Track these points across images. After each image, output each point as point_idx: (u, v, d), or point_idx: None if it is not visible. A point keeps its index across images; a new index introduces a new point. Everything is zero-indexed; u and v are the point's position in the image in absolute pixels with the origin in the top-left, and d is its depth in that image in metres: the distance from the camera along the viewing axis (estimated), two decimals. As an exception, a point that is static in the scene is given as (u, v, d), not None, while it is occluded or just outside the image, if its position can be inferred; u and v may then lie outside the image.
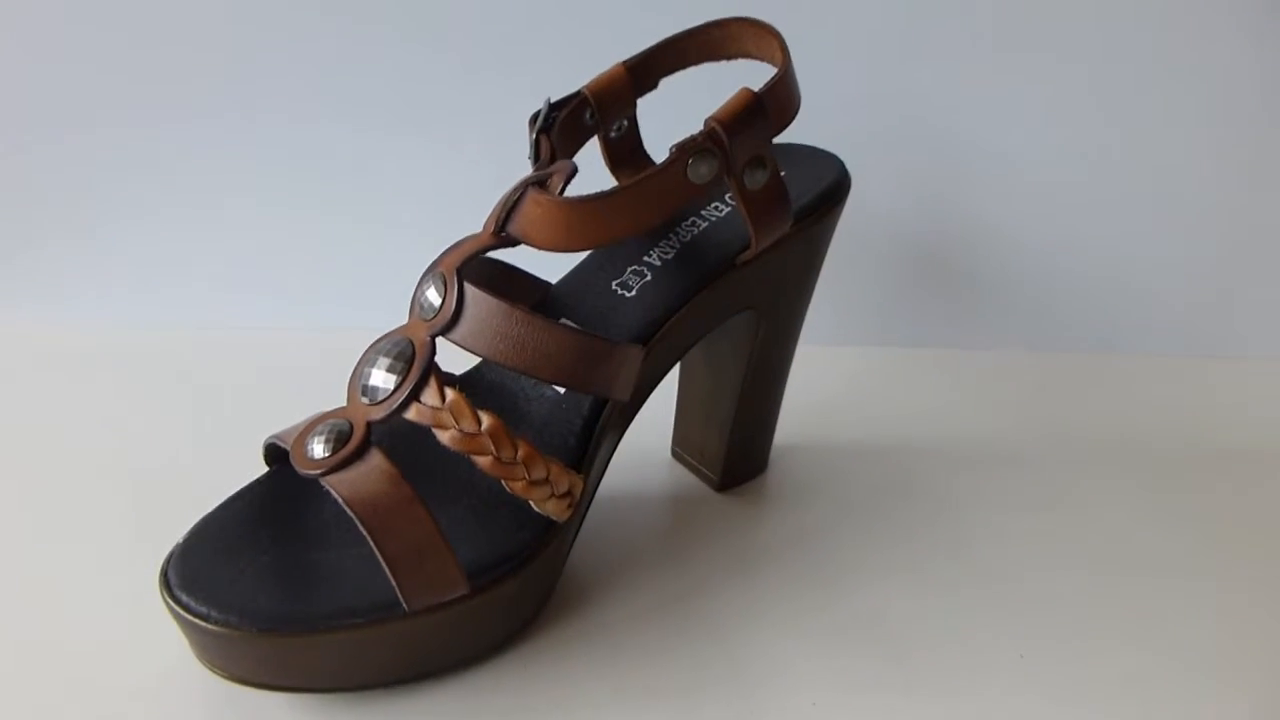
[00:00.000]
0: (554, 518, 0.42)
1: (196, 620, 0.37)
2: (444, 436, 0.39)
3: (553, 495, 0.41)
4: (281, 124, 0.63)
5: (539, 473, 0.40)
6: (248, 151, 0.64)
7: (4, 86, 0.62)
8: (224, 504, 0.42)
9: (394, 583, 0.38)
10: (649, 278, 0.47)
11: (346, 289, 0.67)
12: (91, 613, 0.45)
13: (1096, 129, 0.62)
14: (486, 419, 0.39)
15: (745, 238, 0.46)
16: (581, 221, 0.39)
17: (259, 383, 0.62)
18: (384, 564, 0.37)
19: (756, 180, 0.42)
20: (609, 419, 0.45)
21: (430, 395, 0.39)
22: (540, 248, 0.39)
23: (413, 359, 0.39)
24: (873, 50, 0.60)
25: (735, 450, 0.52)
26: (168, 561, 0.40)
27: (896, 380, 0.63)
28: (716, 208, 0.49)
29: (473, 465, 0.44)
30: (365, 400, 0.40)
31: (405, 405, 0.39)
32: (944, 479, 0.54)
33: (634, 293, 0.46)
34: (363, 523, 0.37)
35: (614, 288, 0.47)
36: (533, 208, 0.39)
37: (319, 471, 0.38)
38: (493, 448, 0.39)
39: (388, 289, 0.52)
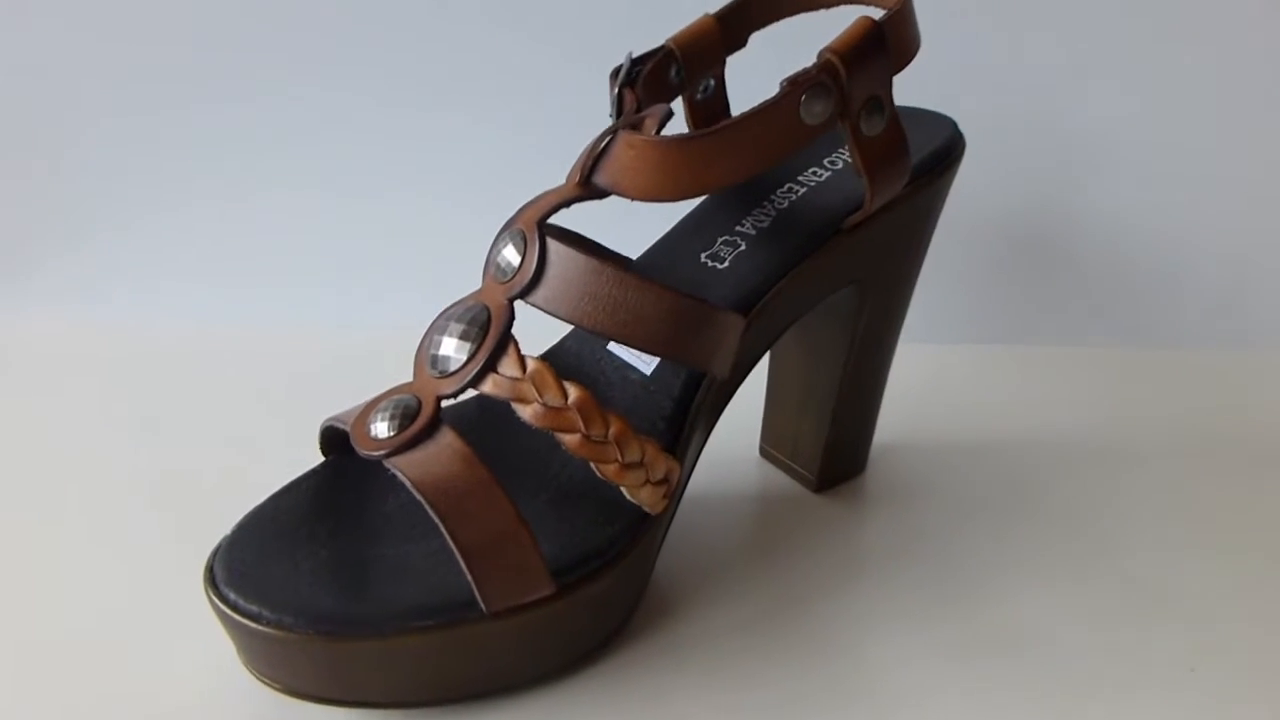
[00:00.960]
0: (647, 509, 0.36)
1: (246, 621, 0.32)
2: (525, 412, 0.34)
3: (648, 481, 0.35)
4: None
5: (633, 454, 0.35)
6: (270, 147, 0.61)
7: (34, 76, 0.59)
8: (275, 495, 0.38)
9: (470, 578, 0.33)
10: (743, 248, 0.42)
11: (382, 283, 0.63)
12: (125, 619, 0.40)
13: (1215, 114, 0.56)
14: (574, 391, 0.34)
15: (851, 201, 0.41)
16: (682, 164, 0.34)
17: (297, 379, 0.57)
18: (459, 556, 0.32)
19: (874, 125, 0.37)
20: (703, 402, 0.40)
21: (509, 365, 0.34)
22: (634, 197, 0.35)
23: (488, 325, 0.35)
24: (972, 17, 0.56)
25: (835, 447, 0.47)
26: (214, 556, 0.35)
27: (989, 377, 0.58)
28: (814, 172, 0.44)
29: (551, 453, 0.39)
30: (434, 373, 0.35)
31: (481, 377, 0.34)
32: (1062, 479, 0.49)
33: (726, 264, 0.42)
34: (434, 508, 0.32)
35: (704, 260, 0.42)
36: (625, 151, 0.34)
37: (383, 452, 0.34)
38: (581, 424, 0.34)
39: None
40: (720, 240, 0.43)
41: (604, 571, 0.35)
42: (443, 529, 0.32)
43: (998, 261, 0.60)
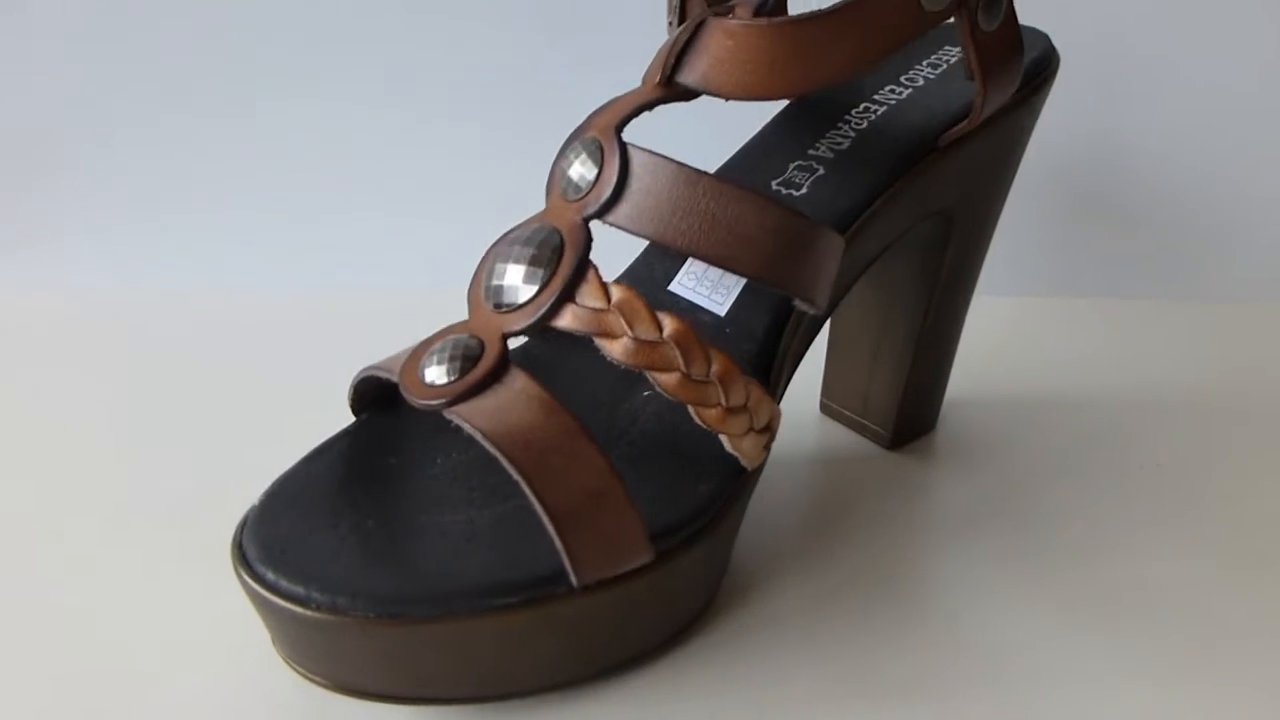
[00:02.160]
0: (746, 461, 0.31)
1: (290, 604, 0.27)
2: (614, 349, 0.29)
3: (751, 429, 0.30)
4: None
5: (738, 396, 0.30)
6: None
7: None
8: (305, 460, 0.32)
9: (560, 545, 0.27)
10: (821, 173, 0.37)
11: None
12: (129, 607, 0.34)
13: None
14: (670, 322, 0.29)
15: (942, 118, 0.37)
16: (792, 53, 0.29)
17: (299, 347, 0.51)
18: (546, 520, 0.27)
19: (991, 19, 0.32)
20: (789, 344, 0.35)
21: (590, 294, 0.29)
22: (729, 95, 0.30)
23: (561, 250, 0.29)
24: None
25: (911, 399, 0.42)
26: (241, 530, 0.29)
27: (1054, 331, 0.54)
28: (892, 90, 0.40)
29: (617, 404, 0.34)
30: (496, 307, 0.30)
31: (556, 309, 0.29)
32: (1151, 434, 0.44)
33: (804, 191, 0.37)
34: (514, 464, 0.27)
35: (775, 188, 0.37)
36: (721, 41, 0.29)
37: (442, 400, 0.28)
38: (680, 360, 0.29)
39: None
40: (793, 166, 0.38)
41: (702, 536, 0.30)
42: (527, 489, 0.27)
43: (1064, 211, 0.56)
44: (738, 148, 0.39)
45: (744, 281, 0.36)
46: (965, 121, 0.35)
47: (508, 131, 0.56)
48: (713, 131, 0.39)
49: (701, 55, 0.30)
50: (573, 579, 0.28)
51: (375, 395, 0.34)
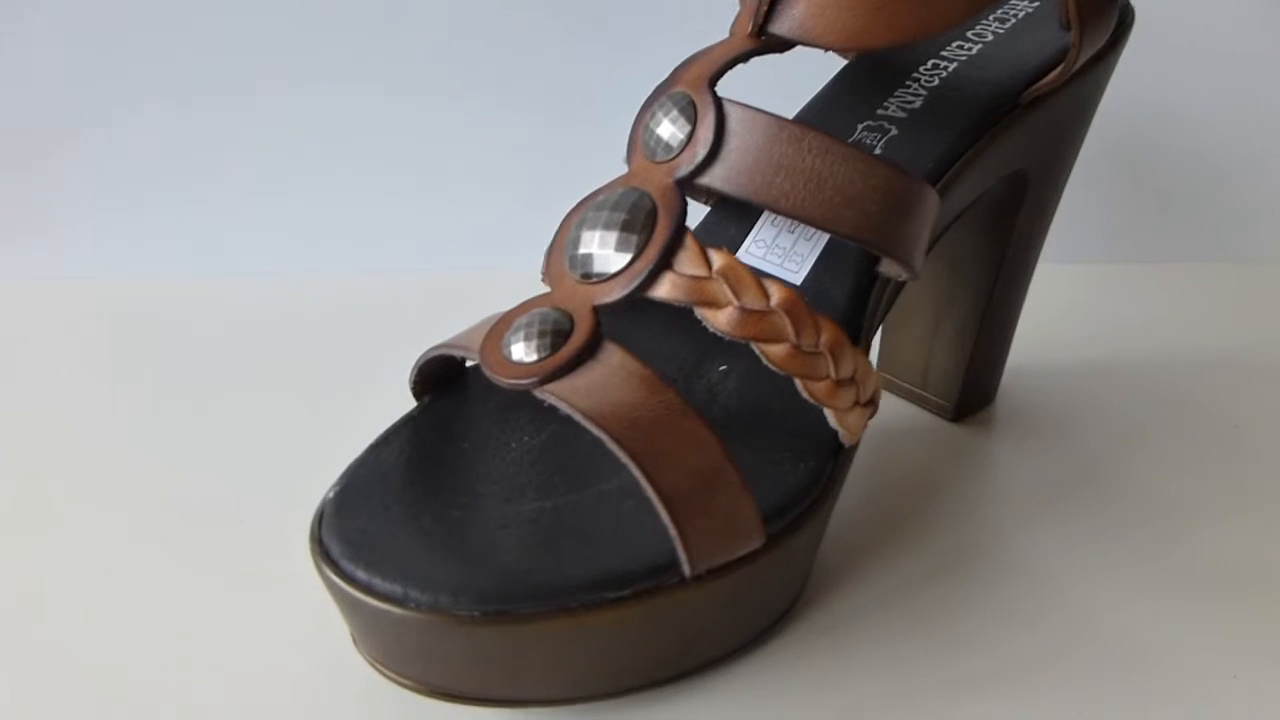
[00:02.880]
0: (846, 437, 0.30)
1: (388, 606, 0.24)
2: (718, 319, 0.27)
3: (858, 403, 0.29)
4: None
5: (847, 368, 0.28)
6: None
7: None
8: (372, 447, 0.30)
9: (673, 531, 0.25)
10: (894, 133, 0.35)
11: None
12: (193, 619, 0.31)
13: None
14: (777, 290, 0.27)
15: (1020, 73, 0.35)
16: (901, -3, 0.27)
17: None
18: (660, 505, 0.25)
19: (1092, -38, 0.31)
20: (876, 310, 0.33)
21: (690, 261, 0.27)
22: (828, 45, 0.28)
23: (654, 215, 0.27)
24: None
25: (976, 371, 0.41)
26: (318, 525, 0.27)
27: (1105, 297, 0.52)
28: (961, 46, 0.38)
29: (692, 378, 0.32)
30: (581, 277, 0.27)
31: (653, 278, 0.27)
32: (1222, 398, 0.43)
33: (878, 153, 0.35)
34: (622, 446, 0.25)
35: (845, 150, 0.35)
36: (823, -15, 0.27)
37: (533, 379, 0.26)
38: (791, 330, 0.27)
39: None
40: (862, 126, 0.36)
41: (807, 518, 0.29)
42: (638, 472, 0.25)
43: (1107, 175, 0.55)
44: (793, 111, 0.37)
45: (820, 249, 0.34)
46: (1056, 73, 0.33)
47: (526, 114, 0.53)
48: (764, 94, 0.37)
49: (798, 1, 0.28)
50: (685, 568, 0.26)
51: (441, 374, 0.32)
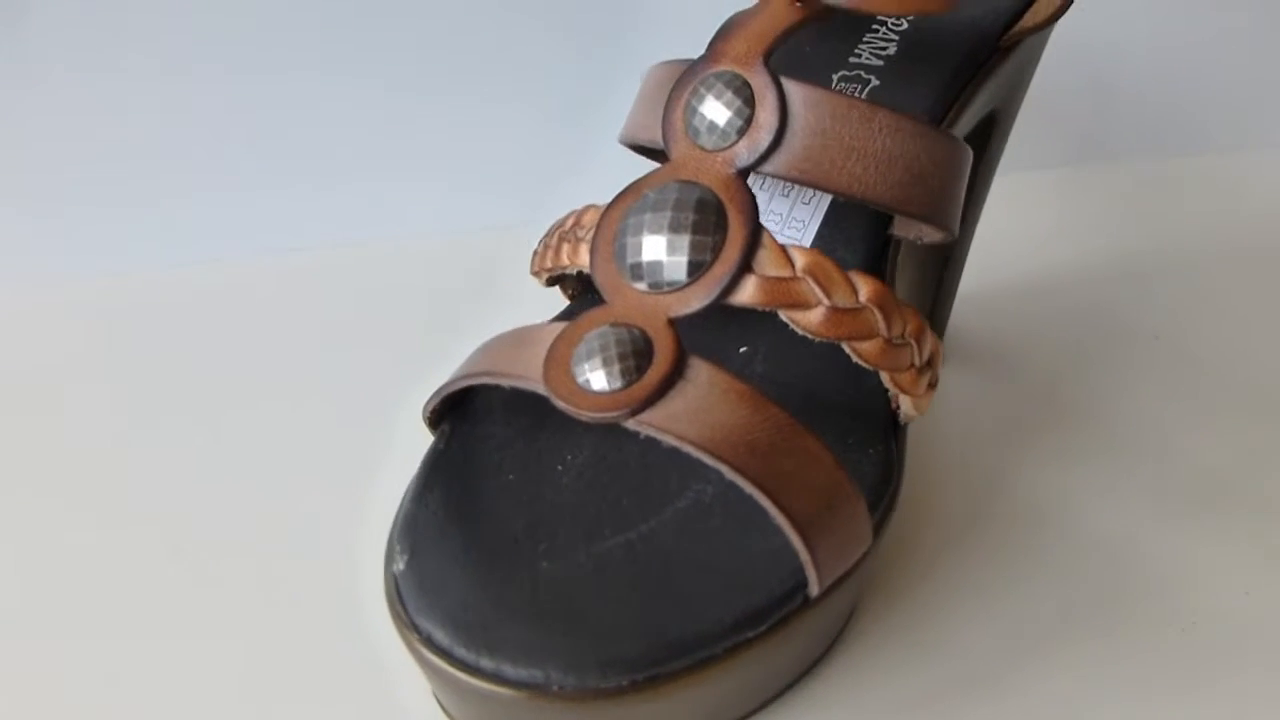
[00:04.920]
0: (912, 416, 0.29)
1: (527, 694, 0.22)
2: (807, 321, 0.25)
3: (931, 385, 0.28)
4: None
5: (928, 350, 0.27)
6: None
7: None
8: (416, 498, 0.26)
9: (805, 556, 0.24)
10: (875, 83, 0.34)
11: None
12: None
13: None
14: (865, 283, 0.25)
15: (998, 13, 0.34)
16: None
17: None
18: (793, 533, 0.23)
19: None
20: (893, 272, 0.32)
21: (771, 261, 0.25)
22: (891, 10, 0.26)
23: (722, 212, 0.25)
24: None
25: (937, 310, 0.41)
26: (403, 608, 0.23)
27: (1003, 211, 0.53)
28: (919, -16, 0.36)
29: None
30: (652, 287, 0.25)
31: (735, 283, 0.24)
32: (1137, 306, 0.45)
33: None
34: (746, 476, 0.23)
35: (827, 104, 0.34)
36: (877, -54, 0.25)
37: (622, 412, 0.24)
38: (883, 324, 0.25)
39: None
40: (838, 78, 0.34)
41: (891, 505, 0.28)
42: (766, 502, 0.23)
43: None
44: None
45: (822, 213, 0.33)
46: (1047, 13, 0.32)
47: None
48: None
49: (847, -35, 0.25)
50: (814, 589, 0.24)
51: (455, 403, 0.29)
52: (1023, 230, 0.51)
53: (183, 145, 0.47)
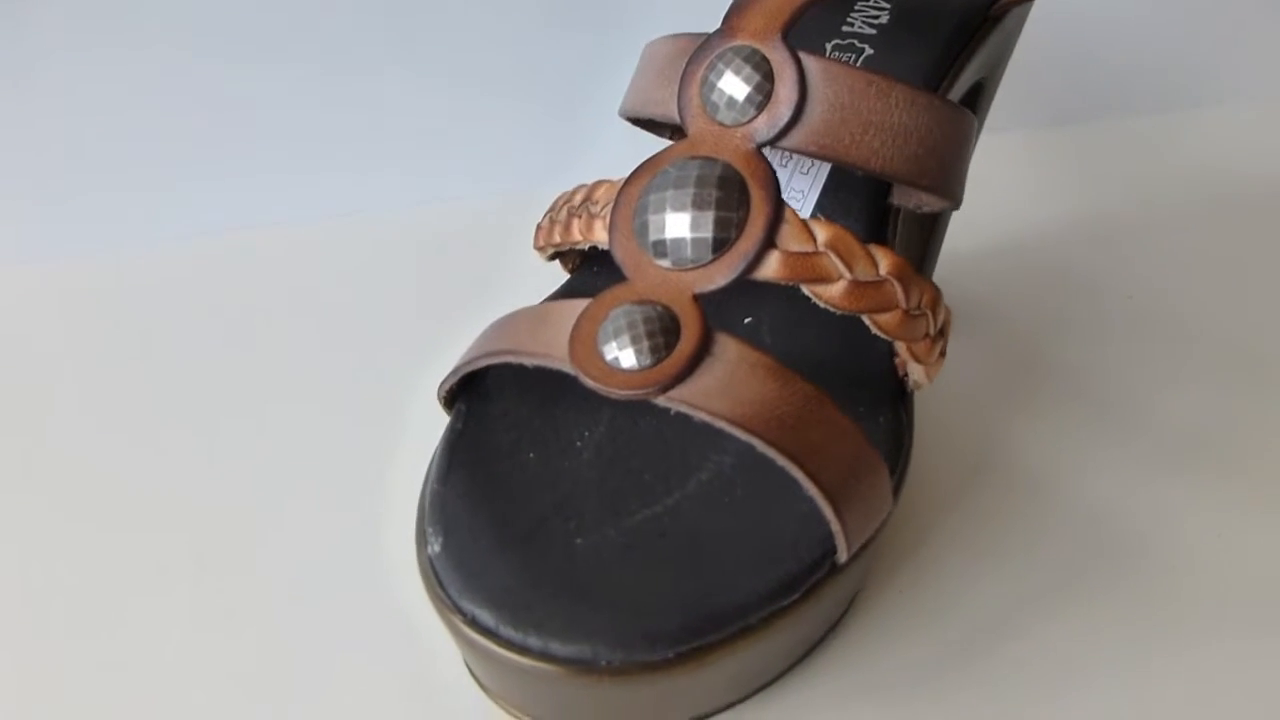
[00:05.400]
0: (918, 385, 0.30)
1: (575, 670, 0.22)
2: (829, 294, 0.25)
3: (942, 353, 0.28)
4: None
5: (941, 319, 0.27)
6: None
7: None
8: (438, 479, 0.26)
9: (836, 526, 0.24)
10: (870, 52, 0.34)
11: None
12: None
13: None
14: (884, 256, 0.26)
15: (987, -21, 0.35)
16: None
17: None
18: (824, 503, 0.24)
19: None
20: (895, 239, 0.33)
21: (794, 236, 0.25)
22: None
23: (744, 188, 0.25)
24: None
25: (928, 270, 0.42)
26: (440, 585, 0.24)
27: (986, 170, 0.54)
28: (905, -49, 0.37)
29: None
30: (670, 264, 0.25)
31: (760, 258, 0.25)
32: (1106, 267, 0.47)
33: (858, 73, 0.34)
34: (779, 449, 0.23)
35: (822, 74, 0.34)
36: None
37: (653, 388, 0.24)
38: (902, 296, 0.26)
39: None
40: (831, 45, 0.35)
41: (904, 470, 0.28)
42: (799, 474, 0.24)
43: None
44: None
45: (821, 183, 0.33)
46: None
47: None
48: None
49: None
50: (842, 556, 0.25)
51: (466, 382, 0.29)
52: (995, 192, 0.52)
53: (171, 125, 0.46)
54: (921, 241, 0.40)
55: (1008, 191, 0.52)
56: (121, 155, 0.46)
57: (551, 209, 0.31)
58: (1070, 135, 0.55)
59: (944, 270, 0.43)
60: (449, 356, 0.29)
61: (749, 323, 0.32)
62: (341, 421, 0.36)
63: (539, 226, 0.31)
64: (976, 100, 0.38)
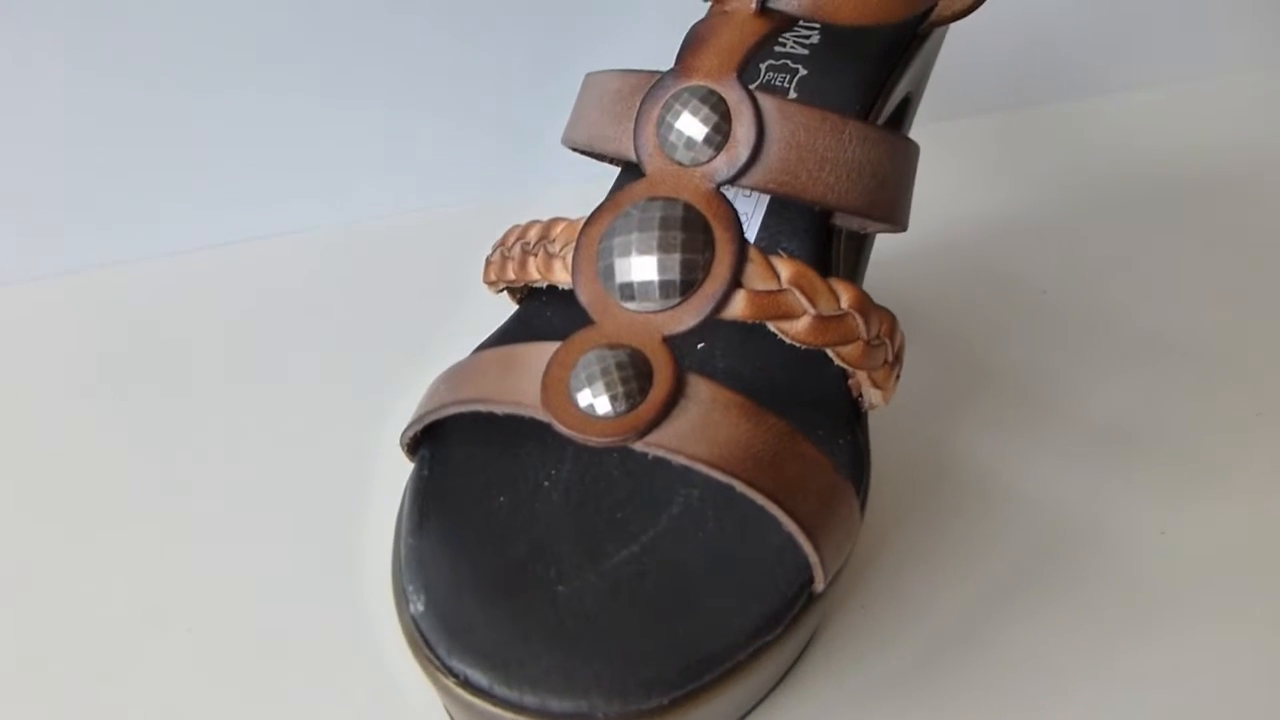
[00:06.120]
0: (874, 406, 0.30)
1: None
2: (794, 330, 0.26)
3: (898, 376, 0.29)
4: None
5: (898, 344, 0.28)
6: None
7: None
8: (412, 532, 0.26)
9: (814, 559, 0.25)
10: (804, 73, 0.35)
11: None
12: None
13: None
14: (844, 289, 0.26)
15: (914, -2, 0.36)
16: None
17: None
18: (802, 538, 0.24)
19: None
20: (838, 260, 0.34)
21: (759, 275, 0.25)
22: (848, 20, 0.26)
23: (707, 229, 0.25)
24: None
25: (860, 278, 0.43)
26: (426, 645, 0.23)
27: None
28: (832, -31, 0.37)
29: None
30: (637, 307, 0.25)
31: (727, 298, 0.25)
32: (1020, 262, 0.48)
33: (793, 95, 0.34)
34: (755, 487, 0.24)
35: (757, 94, 0.34)
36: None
37: (629, 435, 0.24)
38: (863, 328, 0.26)
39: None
40: (765, 66, 0.35)
41: (867, 492, 0.29)
42: (777, 511, 0.24)
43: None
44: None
45: (764, 206, 0.34)
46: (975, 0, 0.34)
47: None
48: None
49: (808, -25, 0.26)
50: (820, 586, 0.26)
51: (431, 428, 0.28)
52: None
53: (140, 147, 0.45)
54: (855, 250, 0.41)
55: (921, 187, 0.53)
56: (87, 177, 0.45)
57: (501, 243, 0.31)
58: (976, 127, 0.57)
59: (869, 275, 0.44)
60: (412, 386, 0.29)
61: (702, 348, 0.32)
62: (309, 460, 0.36)
63: (488, 260, 0.31)
64: (904, 114, 0.38)
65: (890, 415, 0.38)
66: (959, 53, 0.57)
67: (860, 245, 0.41)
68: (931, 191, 0.51)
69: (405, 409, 0.30)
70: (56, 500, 0.35)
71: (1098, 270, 0.47)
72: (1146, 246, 0.48)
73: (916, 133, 0.53)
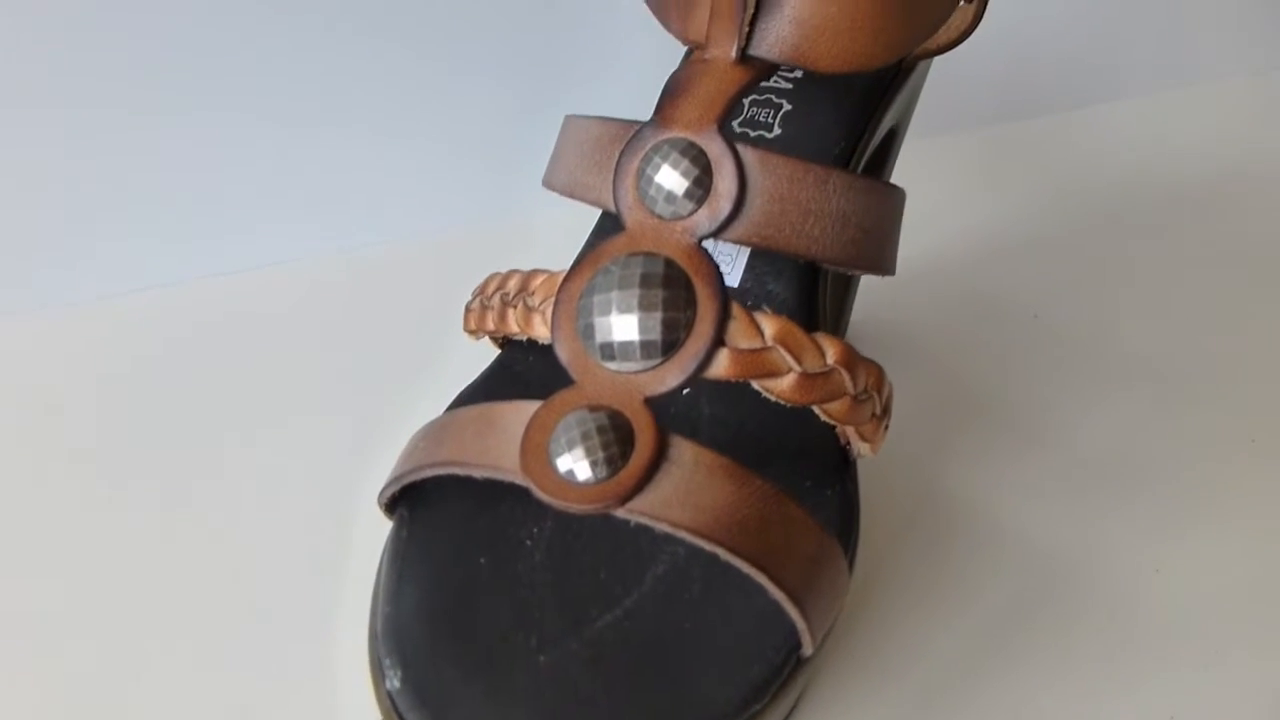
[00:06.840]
0: (867, 454, 0.30)
1: None
2: (779, 388, 0.25)
3: (886, 427, 0.29)
4: None
5: (886, 397, 0.28)
6: None
7: None
8: (391, 597, 0.25)
9: (802, 625, 0.24)
10: (788, 108, 0.34)
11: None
12: None
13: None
14: (830, 345, 0.26)
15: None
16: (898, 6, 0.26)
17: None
18: (788, 605, 0.24)
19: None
20: (825, 301, 0.33)
21: (743, 333, 0.25)
22: (828, 68, 0.26)
23: (689, 286, 0.25)
24: None
25: (841, 316, 0.42)
26: None
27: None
28: (816, 0, 0.37)
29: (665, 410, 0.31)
30: (616, 366, 0.24)
31: (710, 357, 0.24)
32: (1009, 285, 0.48)
33: (777, 130, 0.34)
34: (740, 555, 0.23)
35: (740, 130, 0.34)
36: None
37: (610, 502, 0.23)
38: (849, 383, 0.26)
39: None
40: (749, 101, 0.34)
41: (857, 544, 0.29)
42: (763, 579, 0.23)
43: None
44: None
45: (748, 251, 0.33)
46: (958, 33, 0.33)
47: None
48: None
49: (791, 20, 0.25)
50: (808, 650, 0.25)
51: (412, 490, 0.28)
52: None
53: (110, 180, 0.44)
54: (843, 285, 0.40)
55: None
56: (74, 208, 0.44)
57: (481, 292, 0.30)
58: (957, 143, 0.56)
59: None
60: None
61: (688, 394, 0.31)
62: (285, 512, 0.35)
63: (468, 308, 0.30)
64: (889, 146, 0.38)
65: (883, 453, 0.38)
66: (938, 69, 0.57)
67: (848, 281, 0.40)
68: (913, 210, 0.51)
69: (388, 457, 0.29)
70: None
71: (1087, 289, 0.47)
72: (1135, 262, 0.48)
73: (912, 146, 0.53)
